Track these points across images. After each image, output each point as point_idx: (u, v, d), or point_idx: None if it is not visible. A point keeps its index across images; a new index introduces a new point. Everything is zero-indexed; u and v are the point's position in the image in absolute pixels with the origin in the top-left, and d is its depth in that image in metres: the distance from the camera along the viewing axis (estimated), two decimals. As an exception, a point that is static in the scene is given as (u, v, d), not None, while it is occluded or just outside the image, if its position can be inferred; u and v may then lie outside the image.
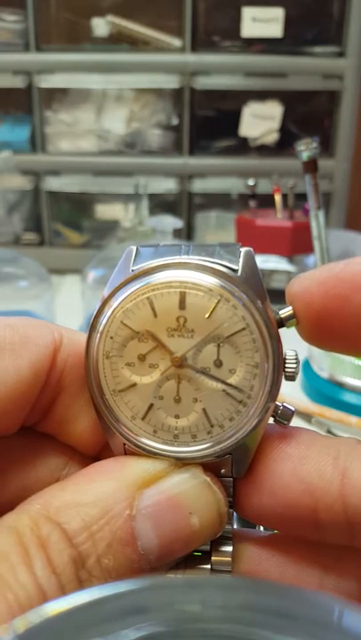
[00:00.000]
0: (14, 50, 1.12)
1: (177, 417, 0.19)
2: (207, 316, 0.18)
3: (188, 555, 0.19)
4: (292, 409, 0.19)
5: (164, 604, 0.12)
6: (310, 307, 0.18)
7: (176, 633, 0.12)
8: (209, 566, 0.20)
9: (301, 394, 0.69)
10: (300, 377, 0.71)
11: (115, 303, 0.19)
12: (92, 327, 0.19)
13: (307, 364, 0.71)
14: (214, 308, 0.18)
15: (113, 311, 0.19)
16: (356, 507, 0.17)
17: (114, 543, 0.17)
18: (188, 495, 0.18)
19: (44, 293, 0.86)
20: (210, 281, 0.19)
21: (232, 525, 0.20)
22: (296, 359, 0.19)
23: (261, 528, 0.31)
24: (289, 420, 0.19)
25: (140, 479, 0.18)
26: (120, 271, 0.19)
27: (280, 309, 0.19)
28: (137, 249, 0.20)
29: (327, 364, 0.66)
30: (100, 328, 0.19)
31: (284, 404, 0.19)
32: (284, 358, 0.19)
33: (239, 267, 0.19)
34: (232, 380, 0.18)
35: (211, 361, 0.19)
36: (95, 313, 0.19)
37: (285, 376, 0.19)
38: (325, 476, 0.18)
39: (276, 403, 0.19)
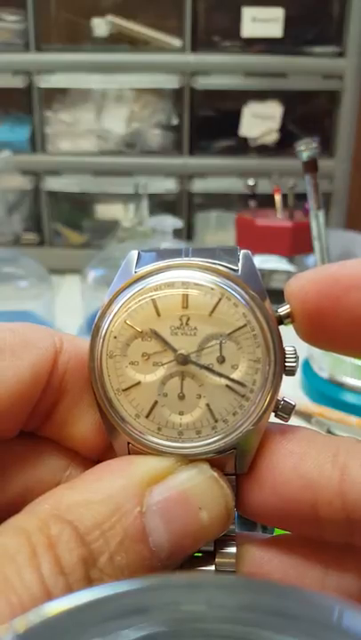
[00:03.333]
0: (14, 50, 1.12)
1: (181, 413, 0.19)
2: (209, 314, 0.19)
3: (191, 556, 0.19)
4: (294, 403, 0.20)
5: (165, 603, 0.12)
6: (305, 305, 0.19)
7: (176, 633, 0.12)
8: (213, 567, 0.20)
9: (301, 394, 0.69)
10: (300, 377, 0.71)
11: (118, 304, 0.20)
12: (96, 328, 0.20)
13: (307, 364, 0.71)
14: (216, 306, 0.19)
15: (116, 312, 0.19)
16: (355, 503, 0.18)
17: (126, 540, 0.17)
18: (197, 490, 0.18)
19: (44, 293, 0.86)
20: (211, 280, 0.19)
21: (235, 526, 0.20)
22: (295, 354, 0.20)
23: (260, 531, 0.31)
24: (290, 414, 0.20)
25: (148, 476, 0.18)
26: (123, 274, 0.20)
27: (279, 307, 0.20)
28: (139, 253, 0.20)
29: (327, 364, 0.66)
30: (104, 328, 0.20)
31: (285, 399, 0.20)
32: (284, 353, 0.19)
33: (239, 267, 0.20)
34: (235, 376, 0.19)
35: (214, 357, 0.19)
36: (99, 314, 0.20)
37: (285, 370, 0.20)
38: (325, 473, 0.18)
39: (277, 397, 0.19)
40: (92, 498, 0.17)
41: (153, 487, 0.18)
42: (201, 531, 0.18)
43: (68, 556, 0.16)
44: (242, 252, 0.20)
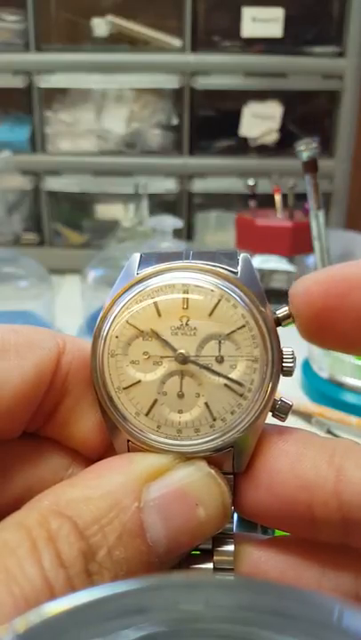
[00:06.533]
0: (14, 50, 1.12)
1: (180, 412, 0.20)
2: (209, 314, 0.19)
3: (189, 554, 0.19)
4: (291, 403, 0.20)
5: (164, 603, 0.12)
6: (311, 305, 0.19)
7: (176, 633, 0.12)
8: (211, 565, 0.20)
9: (301, 394, 0.69)
10: (300, 377, 0.71)
11: (120, 304, 0.20)
12: (98, 328, 0.20)
13: (307, 364, 0.71)
14: (216, 308, 0.19)
15: (118, 312, 0.20)
16: (350, 503, 0.18)
17: (124, 535, 0.17)
18: (194, 487, 0.19)
19: (44, 293, 0.86)
20: (211, 282, 0.20)
21: (233, 525, 0.20)
22: (293, 355, 0.20)
23: (260, 532, 0.31)
24: (287, 414, 0.20)
25: (146, 473, 0.19)
26: (125, 275, 0.20)
27: (277, 309, 0.20)
28: (141, 255, 0.21)
29: (327, 363, 0.67)
30: (106, 328, 0.20)
31: (283, 399, 0.20)
32: (282, 354, 0.20)
33: (238, 270, 0.20)
34: (233, 375, 0.19)
35: (213, 357, 0.19)
36: (101, 315, 0.20)
37: (283, 371, 0.20)
38: (321, 473, 0.18)
39: (275, 397, 0.20)
40: (91, 494, 0.18)
41: (151, 483, 0.18)
42: (198, 527, 0.18)
43: (67, 549, 0.16)
44: (241, 256, 0.20)
